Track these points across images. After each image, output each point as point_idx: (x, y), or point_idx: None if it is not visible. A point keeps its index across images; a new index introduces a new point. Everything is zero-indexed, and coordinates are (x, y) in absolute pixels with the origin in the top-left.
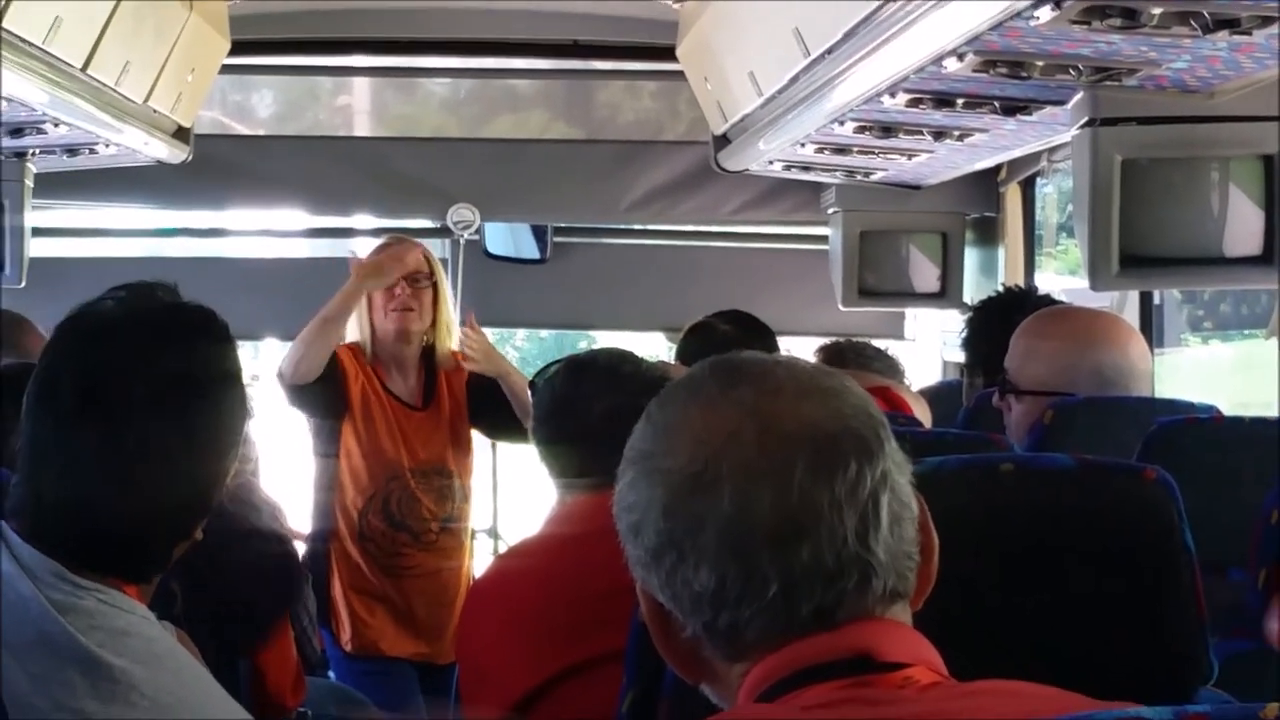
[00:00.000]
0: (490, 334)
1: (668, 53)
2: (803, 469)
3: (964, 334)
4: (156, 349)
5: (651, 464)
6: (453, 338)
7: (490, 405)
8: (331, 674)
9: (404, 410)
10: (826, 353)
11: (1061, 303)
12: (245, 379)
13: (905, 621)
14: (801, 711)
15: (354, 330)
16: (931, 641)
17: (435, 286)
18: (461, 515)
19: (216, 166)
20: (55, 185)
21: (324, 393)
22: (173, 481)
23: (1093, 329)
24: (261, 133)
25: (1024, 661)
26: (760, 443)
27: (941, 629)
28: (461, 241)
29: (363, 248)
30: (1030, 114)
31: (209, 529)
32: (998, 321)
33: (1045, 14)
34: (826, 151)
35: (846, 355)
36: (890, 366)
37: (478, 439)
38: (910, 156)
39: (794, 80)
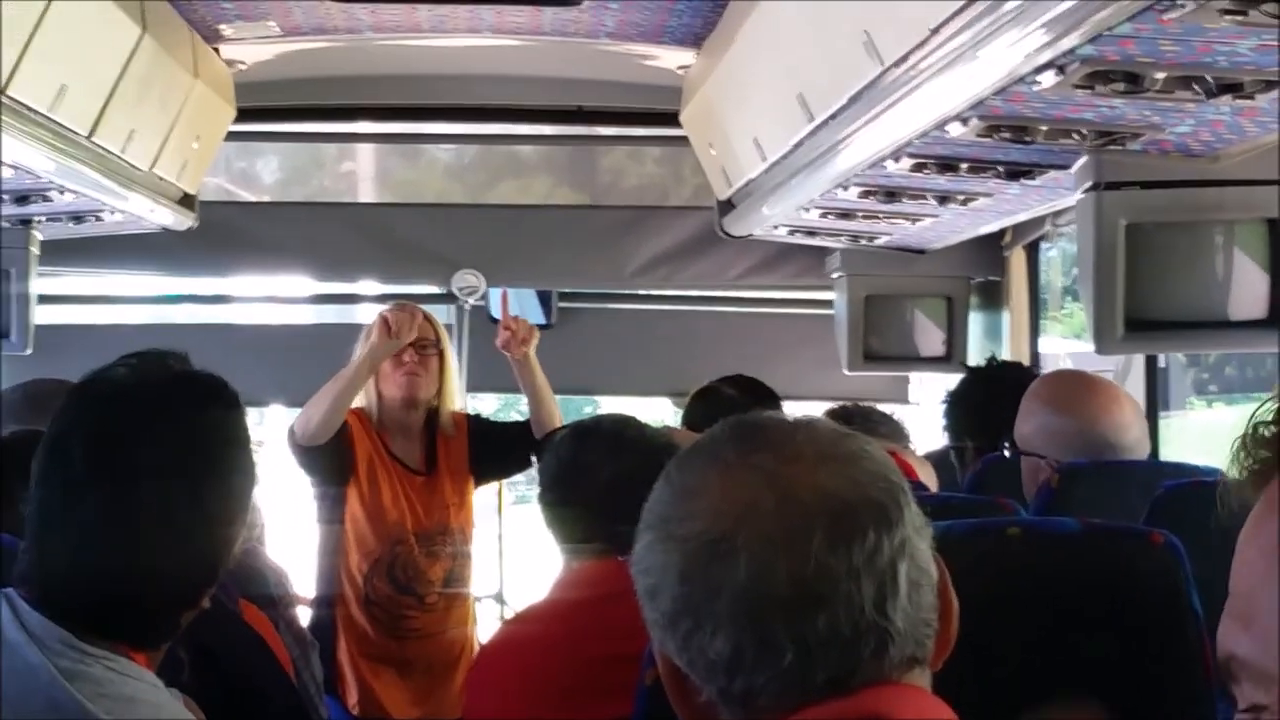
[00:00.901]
0: (495, 400)
1: (672, 118)
2: (820, 539)
3: (947, 409)
4: (168, 416)
5: (669, 529)
6: (457, 403)
7: (494, 451)
8: None
9: (408, 475)
10: (833, 417)
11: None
12: (253, 447)
13: (923, 686)
14: None
15: (359, 396)
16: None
17: (441, 354)
18: (464, 577)
19: (222, 233)
20: (61, 252)
21: (333, 456)
22: (182, 548)
23: (1084, 400)
24: (266, 199)
25: None
26: (778, 512)
27: (949, 692)
28: (466, 307)
29: (368, 314)
30: (1034, 178)
31: (215, 596)
32: (980, 392)
33: (1048, 79)
34: (831, 216)
35: (854, 420)
36: (896, 431)
37: (480, 505)
38: (914, 221)
39: (798, 145)
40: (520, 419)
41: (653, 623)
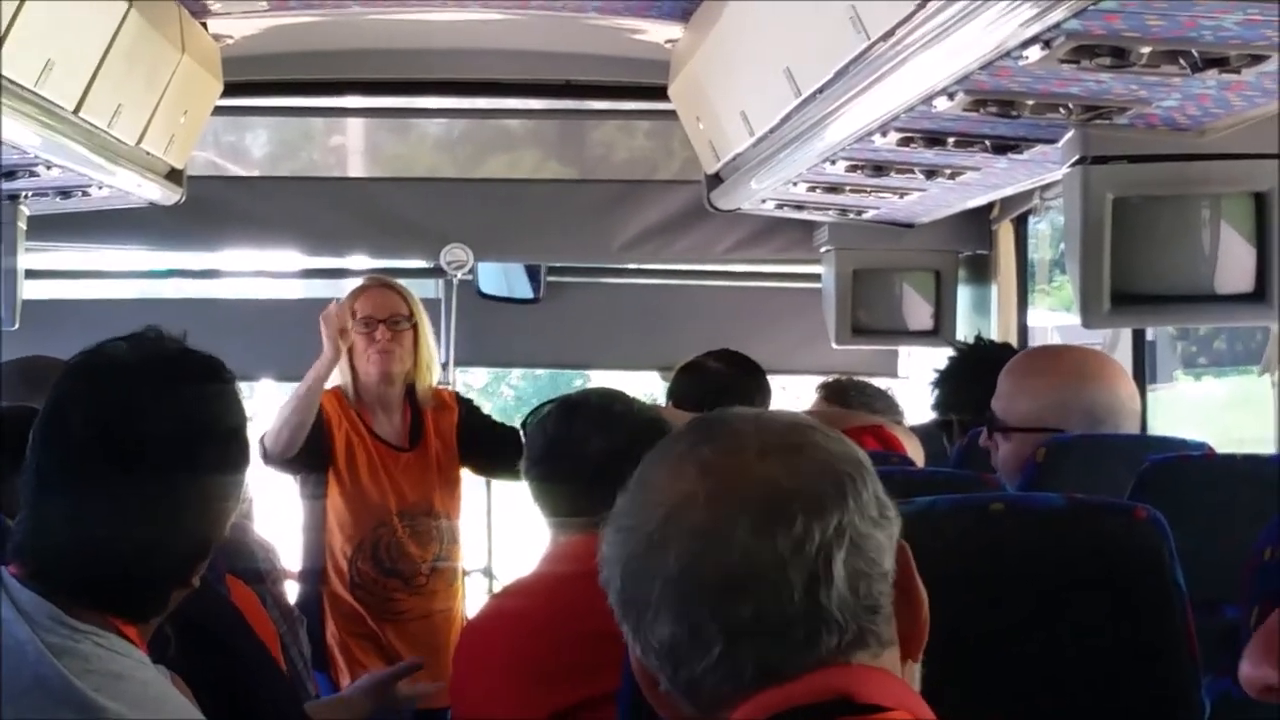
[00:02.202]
0: (485, 373)
1: (660, 92)
2: (745, 527)
3: (939, 385)
4: (166, 392)
5: (618, 522)
6: (435, 376)
7: (482, 445)
8: None
9: (390, 453)
10: (828, 390)
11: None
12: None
13: (884, 669)
14: None
15: (335, 375)
16: (922, 680)
17: (415, 327)
18: (451, 556)
19: (210, 208)
20: (48, 227)
21: (306, 450)
22: (176, 522)
23: (1083, 367)
24: (255, 173)
25: (1015, 700)
26: (709, 502)
27: (932, 668)
28: (455, 281)
29: (352, 288)
30: (1021, 152)
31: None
32: (968, 368)
33: (1034, 53)
34: (819, 190)
35: (848, 392)
36: (889, 405)
37: (469, 478)
38: (902, 195)
39: (785, 119)
40: (510, 425)
41: (615, 613)
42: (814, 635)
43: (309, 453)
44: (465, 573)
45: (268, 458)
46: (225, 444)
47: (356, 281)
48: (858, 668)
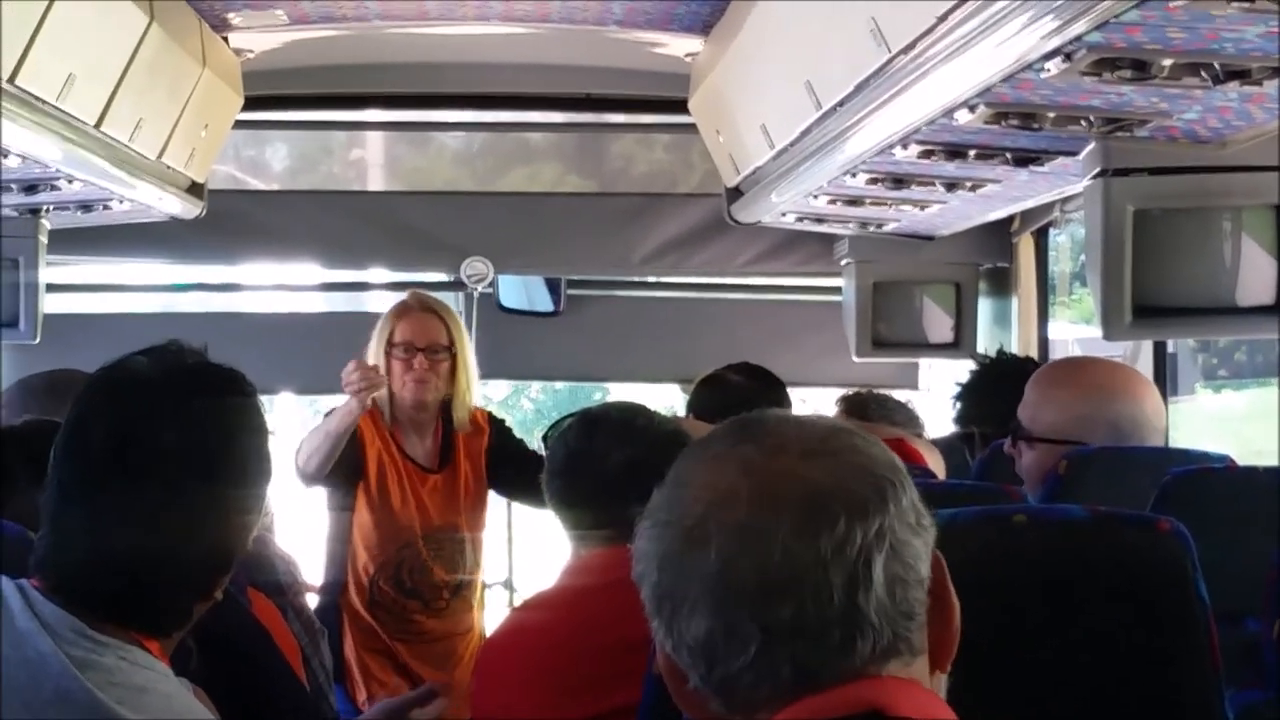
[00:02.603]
0: (505, 386)
1: (680, 105)
2: (788, 528)
3: (961, 398)
4: (187, 406)
5: (655, 517)
6: (472, 401)
7: (509, 471)
8: None
9: (420, 474)
10: (848, 403)
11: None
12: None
13: (911, 677)
14: None
15: None
16: (946, 692)
17: (454, 356)
18: (473, 578)
19: (230, 221)
20: (69, 241)
21: (338, 465)
22: (198, 536)
23: (1110, 380)
24: (275, 187)
25: (1039, 713)
26: (750, 501)
27: (955, 680)
28: (475, 294)
29: (377, 302)
30: (1042, 165)
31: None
32: (990, 381)
33: (1056, 66)
34: (839, 203)
35: (869, 406)
36: (910, 418)
37: (493, 494)
38: (923, 207)
39: (806, 132)
40: (539, 454)
41: (646, 608)
42: (850, 639)
43: (342, 468)
44: (485, 585)
45: (301, 477)
46: (246, 457)
47: (377, 295)
48: (889, 680)
